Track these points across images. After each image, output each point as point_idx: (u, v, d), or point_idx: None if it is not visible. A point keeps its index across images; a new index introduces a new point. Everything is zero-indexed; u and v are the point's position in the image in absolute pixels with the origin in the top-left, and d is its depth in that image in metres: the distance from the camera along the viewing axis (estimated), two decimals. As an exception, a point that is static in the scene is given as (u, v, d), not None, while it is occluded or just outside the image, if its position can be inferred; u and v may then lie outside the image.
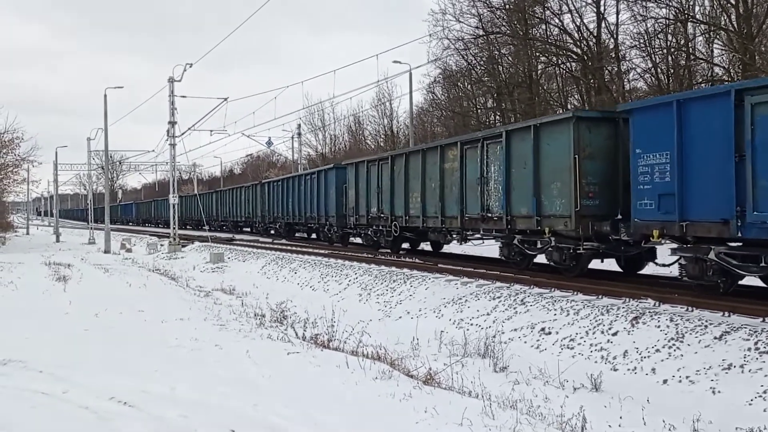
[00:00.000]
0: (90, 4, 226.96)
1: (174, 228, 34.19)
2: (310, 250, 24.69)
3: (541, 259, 15.14)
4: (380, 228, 21.82)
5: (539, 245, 14.44)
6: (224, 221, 47.48)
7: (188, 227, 52.47)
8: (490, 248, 18.26)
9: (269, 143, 48.63)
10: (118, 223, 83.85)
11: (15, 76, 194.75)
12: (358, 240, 26.17)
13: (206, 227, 48.51)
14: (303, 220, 31.02)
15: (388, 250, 21.66)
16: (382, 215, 21.37)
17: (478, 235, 16.95)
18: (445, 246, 21.85)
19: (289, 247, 26.96)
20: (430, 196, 18.27)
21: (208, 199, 51.43)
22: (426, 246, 22.71)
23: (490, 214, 15.52)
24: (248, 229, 43.09)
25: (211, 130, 37.83)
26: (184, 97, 33.29)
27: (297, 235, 34.78)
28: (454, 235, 18.00)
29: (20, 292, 15.28)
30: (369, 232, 22.99)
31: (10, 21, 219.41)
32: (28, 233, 65.29)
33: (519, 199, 14.59)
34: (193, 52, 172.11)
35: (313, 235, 33.00)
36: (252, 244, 30.60)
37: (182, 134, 34.27)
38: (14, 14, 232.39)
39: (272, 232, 36.99)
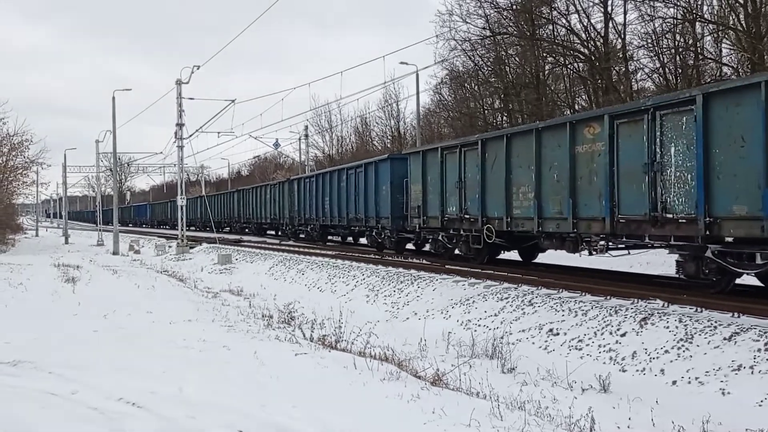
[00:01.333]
0: (89, 6, 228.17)
1: (182, 230, 34.28)
2: (318, 251, 24.69)
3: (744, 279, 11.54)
4: (461, 233, 17.42)
5: (760, 260, 10.17)
6: (247, 223, 43.53)
7: (207, 229, 50.01)
8: (625, 261, 14.77)
9: (276, 145, 48.73)
10: (131, 225, 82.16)
11: (20, 78, 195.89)
12: (413, 246, 22.66)
13: (226, 228, 47.05)
14: (344, 222, 26.47)
15: (461, 261, 17.76)
16: (467, 216, 16.95)
17: (634, 243, 12.80)
18: (540, 254, 17.92)
19: (296, 249, 26.96)
20: (550, 190, 14.09)
21: (229, 198, 48.31)
22: (505, 254, 18.35)
23: (668, 215, 11.25)
24: (273, 232, 39.97)
25: (219, 132, 37.92)
26: (191, 99, 33.40)
27: (331, 239, 30.88)
28: (594, 243, 13.45)
29: (30, 294, 15.35)
30: (441, 238, 18.68)
31: (11, 22, 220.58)
32: (37, 235, 65.59)
33: (730, 191, 10.12)
34: (196, 53, 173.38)
35: (350, 239, 29.15)
36: (259, 245, 30.65)
37: (190, 136, 34.40)
38: (15, 15, 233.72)
39: (302, 236, 32.76)
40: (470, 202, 16.90)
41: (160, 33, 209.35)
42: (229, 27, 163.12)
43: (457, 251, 18.39)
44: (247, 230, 43.24)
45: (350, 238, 28.94)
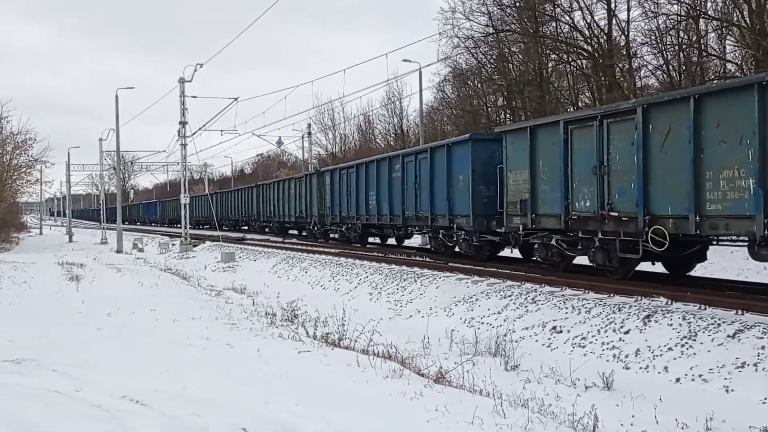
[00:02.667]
0: (89, 6, 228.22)
1: (185, 228, 34.34)
2: (321, 249, 24.70)
3: None
4: (597, 236, 12.94)
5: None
6: (267, 221, 39.28)
7: (225, 228, 46.48)
8: None
9: (279, 143, 48.71)
10: (140, 223, 79.96)
11: (20, 77, 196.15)
12: (508, 253, 18.14)
13: (244, 227, 44.81)
14: (397, 221, 21.75)
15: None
16: (613, 214, 12.44)
17: None
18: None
19: (299, 247, 26.98)
20: None
21: (247, 195, 44.30)
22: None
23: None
24: (296, 232, 36.46)
25: (222, 130, 38.02)
26: (194, 97, 33.46)
27: (371, 240, 26.77)
28: None
29: (33, 292, 15.40)
30: (558, 243, 14.06)
31: (11, 21, 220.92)
32: (41, 233, 65.79)
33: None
34: (196, 52, 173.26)
35: (391, 240, 25.64)
36: (263, 243, 30.69)
37: (193, 134, 34.46)
38: (15, 15, 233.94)
39: (335, 236, 28.61)
40: (619, 194, 12.39)
41: (160, 31, 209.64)
42: (230, 25, 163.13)
43: (588, 260, 13.72)
44: (267, 229, 39.46)
45: (391, 239, 25.63)
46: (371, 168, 23.77)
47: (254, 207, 42.14)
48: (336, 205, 27.22)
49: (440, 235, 19.32)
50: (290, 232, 37.12)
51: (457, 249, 18.92)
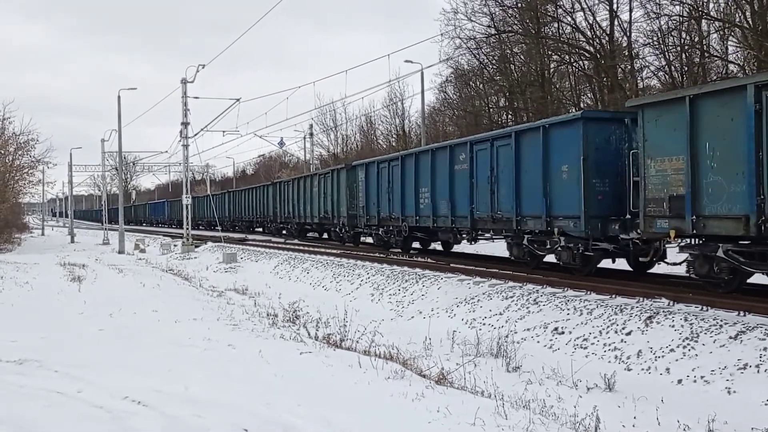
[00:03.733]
0: (88, 6, 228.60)
1: (187, 228, 34.37)
2: (323, 249, 24.70)
3: None
4: None
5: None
6: (285, 222, 35.88)
7: (237, 229, 45.50)
8: None
9: (281, 143, 48.80)
10: (146, 224, 77.02)
11: (19, 77, 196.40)
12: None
13: (258, 228, 42.27)
14: (461, 224, 17.79)
15: None
16: None
17: None
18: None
19: (301, 247, 26.99)
20: None
21: (262, 194, 40.87)
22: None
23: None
24: (317, 234, 33.82)
25: (224, 131, 38.07)
26: (196, 98, 33.51)
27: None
28: None
29: (36, 293, 15.41)
30: (728, 254, 10.65)
31: (9, 21, 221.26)
32: (43, 234, 65.88)
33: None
34: (197, 52, 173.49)
35: (435, 245, 22.70)
36: (264, 244, 30.69)
37: (195, 135, 34.54)
38: (15, 15, 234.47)
39: (368, 239, 25.71)
40: None
41: (160, 31, 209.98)
42: (231, 25, 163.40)
43: None
44: (284, 231, 36.49)
45: (435, 244, 22.72)
46: (423, 160, 19.79)
47: (270, 207, 38.74)
48: (372, 205, 23.21)
49: (526, 242, 15.36)
50: (310, 234, 34.16)
51: (553, 259, 15.05)
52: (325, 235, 32.10)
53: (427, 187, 19.37)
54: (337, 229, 27.70)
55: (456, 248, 22.29)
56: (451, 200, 17.98)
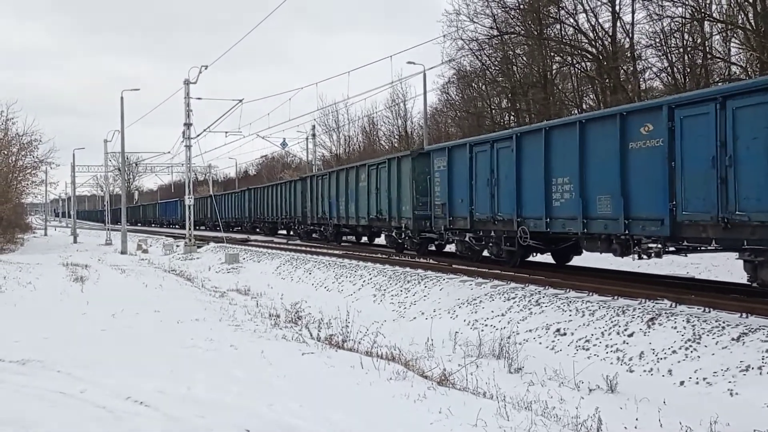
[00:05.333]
0: (88, 5, 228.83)
1: (190, 229, 34.42)
2: (325, 250, 24.69)
3: None
4: None
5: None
6: (319, 224, 30.24)
7: (258, 231, 41.84)
8: None
9: (284, 144, 48.78)
10: (155, 224, 73.85)
11: (19, 77, 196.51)
12: None
13: (282, 231, 38.54)
14: (632, 229, 12.15)
15: None
16: None
17: None
18: None
19: (303, 248, 26.95)
20: None
21: (289, 190, 35.39)
22: None
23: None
24: (354, 239, 29.42)
25: (226, 132, 38.04)
26: (199, 99, 33.51)
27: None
28: None
29: (38, 293, 15.44)
30: None
31: (8, 21, 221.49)
32: (46, 234, 65.92)
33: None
34: (197, 52, 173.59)
35: (535, 256, 16.94)
36: (266, 244, 30.70)
37: (198, 136, 34.54)
38: (12, 16, 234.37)
39: (455, 250, 18.93)
40: None
41: (153, 32, 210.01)
42: (230, 26, 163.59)
43: None
44: (315, 235, 31.33)
45: (536, 255, 17.05)
46: (560, 137, 14.00)
47: (298, 206, 33.39)
48: (459, 202, 17.59)
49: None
50: (350, 238, 29.63)
51: None
52: (377, 239, 27.36)
53: (565, 176, 13.80)
54: (394, 234, 22.02)
55: (643, 266, 15.08)
56: (623, 195, 12.24)
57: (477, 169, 16.81)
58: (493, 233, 16.45)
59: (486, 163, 16.42)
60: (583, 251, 15.44)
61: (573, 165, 13.43)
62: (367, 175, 24.12)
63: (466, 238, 17.51)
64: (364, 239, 28.93)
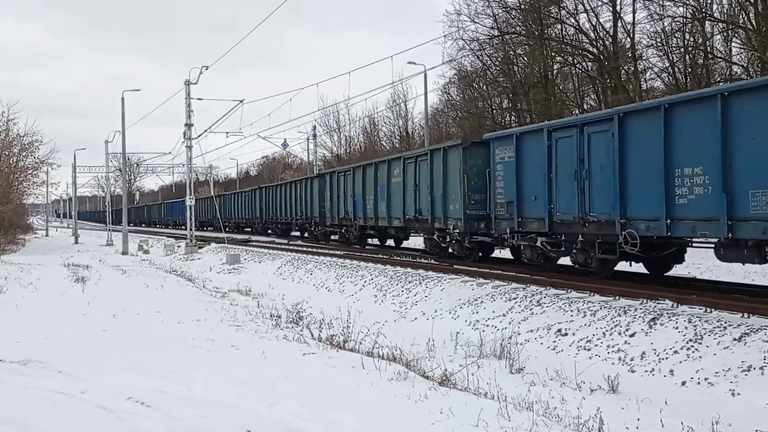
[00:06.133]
0: (88, 5, 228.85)
1: (191, 230, 34.43)
2: (326, 251, 24.68)
3: None
4: None
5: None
6: (340, 226, 26.83)
7: (270, 233, 39.78)
8: None
9: (285, 145, 48.74)
10: (160, 225, 71.88)
11: (22, 77, 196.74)
12: None
13: (299, 232, 35.76)
14: None
15: None
16: None
17: None
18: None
19: (304, 249, 26.93)
20: None
21: (306, 188, 32.24)
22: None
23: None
24: (377, 242, 26.42)
25: (227, 132, 37.99)
26: (200, 99, 33.50)
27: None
28: None
29: (39, 293, 15.44)
30: None
31: (6, 21, 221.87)
32: (47, 235, 66.01)
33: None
34: (198, 53, 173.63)
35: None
36: (268, 245, 30.69)
37: (198, 136, 34.54)
38: (11, 16, 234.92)
39: (525, 257, 15.65)
40: None
41: (153, 32, 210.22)
42: (230, 26, 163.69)
43: None
44: (334, 237, 28.74)
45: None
46: (700, 113, 10.91)
47: (315, 205, 30.48)
48: (530, 201, 14.84)
49: None
50: (374, 241, 26.54)
51: None
52: (412, 243, 25.08)
53: (699, 165, 10.87)
54: (437, 237, 19.04)
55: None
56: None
57: (558, 160, 13.87)
58: (581, 237, 13.46)
59: (571, 151, 13.46)
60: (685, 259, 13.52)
61: (710, 151, 10.46)
62: (402, 170, 20.80)
63: (538, 243, 14.69)
64: (389, 242, 26.48)
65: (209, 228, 48.52)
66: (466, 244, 17.76)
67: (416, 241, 25.64)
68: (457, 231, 17.72)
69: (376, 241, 27.00)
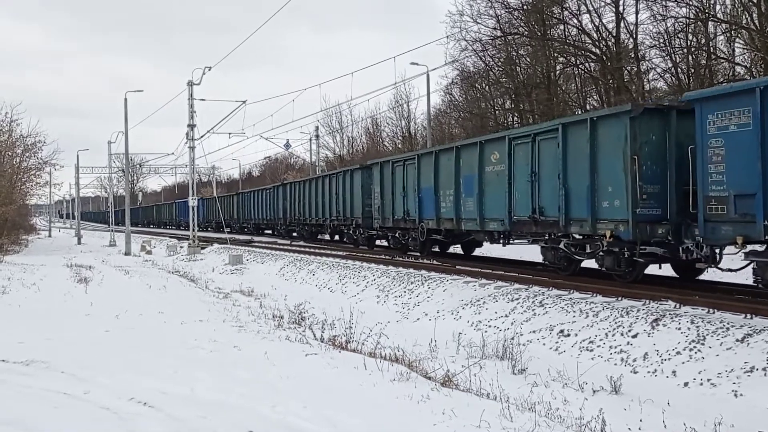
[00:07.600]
0: (88, 5, 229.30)
1: (193, 230, 34.45)
2: (328, 251, 24.68)
3: None
4: None
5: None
6: (394, 228, 21.90)
7: (295, 235, 35.45)
8: None
9: (287, 145, 48.77)
10: (171, 226, 69.14)
11: (22, 78, 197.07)
12: None
13: (329, 235, 31.53)
14: None
15: None
16: None
17: None
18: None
19: (307, 249, 26.92)
20: None
21: (341, 182, 28.00)
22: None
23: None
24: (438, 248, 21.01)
25: (230, 133, 38.03)
26: (203, 100, 33.60)
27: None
28: None
29: (42, 294, 15.47)
30: None
31: (5, 22, 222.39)
32: (50, 236, 66.11)
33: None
34: (198, 53, 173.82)
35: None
36: (270, 245, 30.70)
37: (201, 137, 34.60)
38: (10, 17, 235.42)
39: (757, 281, 10.44)
40: None
41: (153, 32, 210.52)
42: (230, 26, 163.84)
43: None
44: (385, 242, 25.10)
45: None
46: None
47: (357, 203, 26.15)
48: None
49: None
50: (434, 249, 20.92)
51: None
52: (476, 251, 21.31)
53: None
54: (564, 245, 14.03)
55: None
56: None
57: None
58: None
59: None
60: None
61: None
62: (507, 154, 15.46)
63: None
64: (452, 249, 21.71)
65: (227, 229, 41.30)
66: (637, 256, 12.24)
67: (489, 249, 21.38)
68: (619, 238, 12.29)
69: (436, 248, 21.10)
